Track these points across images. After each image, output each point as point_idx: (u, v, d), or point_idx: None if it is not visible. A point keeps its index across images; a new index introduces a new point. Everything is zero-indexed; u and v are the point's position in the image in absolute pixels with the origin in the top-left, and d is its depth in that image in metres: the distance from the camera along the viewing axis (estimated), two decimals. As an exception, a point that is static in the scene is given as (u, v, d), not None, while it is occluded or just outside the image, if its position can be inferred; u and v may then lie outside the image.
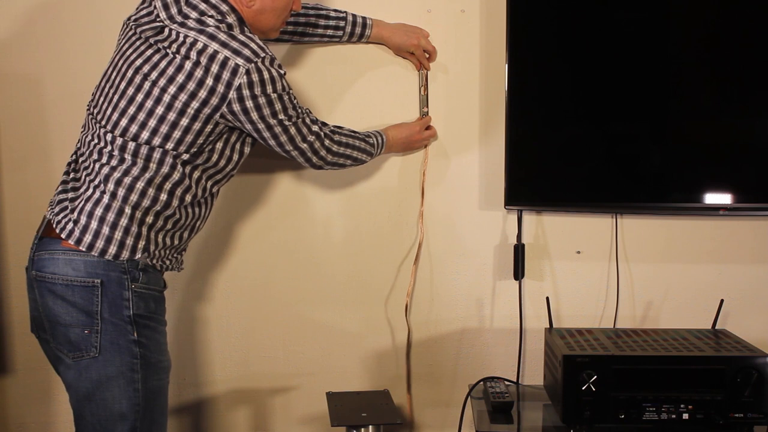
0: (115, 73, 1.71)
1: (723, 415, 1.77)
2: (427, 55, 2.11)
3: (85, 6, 2.11)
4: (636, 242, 2.17)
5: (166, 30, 1.67)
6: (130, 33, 1.73)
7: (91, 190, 1.67)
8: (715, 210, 2.07)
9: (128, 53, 1.70)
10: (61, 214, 1.68)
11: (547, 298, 2.06)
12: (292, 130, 1.75)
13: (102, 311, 1.63)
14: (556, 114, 2.09)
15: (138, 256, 1.67)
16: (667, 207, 2.11)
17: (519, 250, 2.15)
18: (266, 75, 1.65)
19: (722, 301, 2.03)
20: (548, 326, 2.04)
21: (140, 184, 1.66)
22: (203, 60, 1.63)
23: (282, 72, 1.69)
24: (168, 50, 1.65)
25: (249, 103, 1.65)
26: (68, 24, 2.11)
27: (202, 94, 1.63)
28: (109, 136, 1.68)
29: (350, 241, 2.19)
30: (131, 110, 1.66)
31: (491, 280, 2.19)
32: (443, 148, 2.16)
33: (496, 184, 2.12)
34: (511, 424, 1.90)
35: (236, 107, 1.65)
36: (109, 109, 1.69)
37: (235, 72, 1.63)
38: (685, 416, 1.78)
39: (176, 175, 1.69)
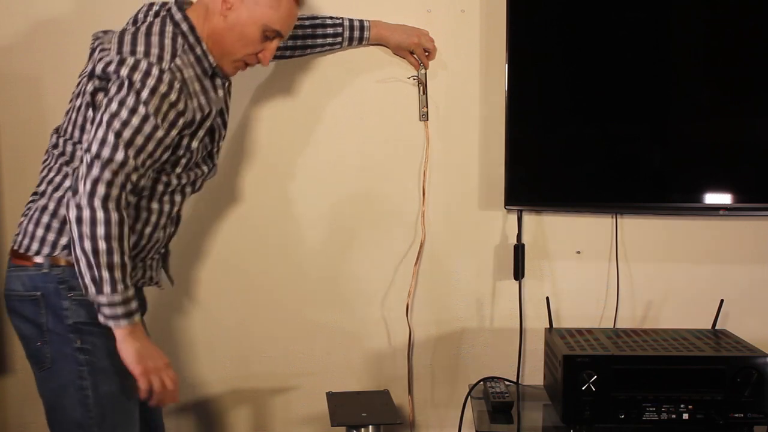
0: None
1: (723, 415, 1.77)
2: (427, 53, 2.11)
3: (86, 7, 2.11)
4: (636, 242, 2.17)
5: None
6: None
7: (35, 196, 1.73)
8: (715, 210, 2.07)
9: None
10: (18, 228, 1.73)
11: (547, 298, 2.06)
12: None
13: (48, 322, 1.65)
14: (556, 114, 2.09)
15: (57, 252, 1.65)
16: (667, 207, 2.11)
17: (519, 250, 2.15)
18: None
19: (722, 301, 2.03)
20: (548, 326, 2.04)
21: (67, 182, 1.67)
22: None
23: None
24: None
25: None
26: (68, 25, 2.11)
27: None
28: (53, 139, 1.74)
29: (350, 241, 2.18)
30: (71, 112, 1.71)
31: (491, 280, 2.19)
32: (444, 149, 2.16)
33: (496, 184, 2.12)
34: (511, 424, 1.90)
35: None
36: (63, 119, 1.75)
37: None
38: (685, 416, 1.78)
39: None
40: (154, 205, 1.72)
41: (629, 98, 2.06)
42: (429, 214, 2.17)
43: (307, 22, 2.00)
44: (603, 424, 1.79)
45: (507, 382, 2.13)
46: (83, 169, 1.55)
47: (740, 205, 2.06)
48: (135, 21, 1.76)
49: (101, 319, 1.58)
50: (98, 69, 1.62)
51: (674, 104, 2.07)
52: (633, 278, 2.18)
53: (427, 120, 2.14)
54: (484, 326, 2.21)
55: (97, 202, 1.53)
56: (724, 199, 2.05)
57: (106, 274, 1.54)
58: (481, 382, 2.06)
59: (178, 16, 1.68)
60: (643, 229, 2.16)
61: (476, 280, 2.19)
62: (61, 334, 1.64)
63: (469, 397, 2.01)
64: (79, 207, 1.53)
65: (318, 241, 2.19)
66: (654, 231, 2.16)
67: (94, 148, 1.55)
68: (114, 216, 1.54)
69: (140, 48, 1.61)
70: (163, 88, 1.58)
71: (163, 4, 1.76)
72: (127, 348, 1.59)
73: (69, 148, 1.68)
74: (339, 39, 2.04)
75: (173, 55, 1.62)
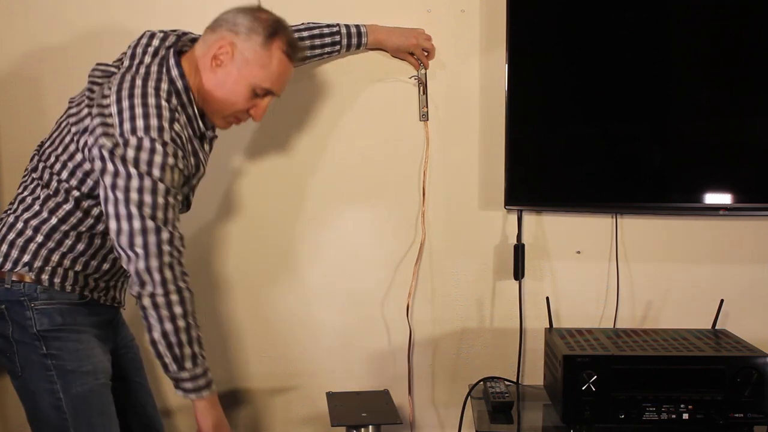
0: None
1: (723, 415, 1.77)
2: (426, 53, 2.11)
3: (85, 6, 2.11)
4: (636, 242, 2.17)
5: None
6: None
7: (9, 208, 1.75)
8: (715, 210, 2.07)
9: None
10: None
11: (547, 298, 2.06)
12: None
13: (13, 333, 1.67)
14: (556, 114, 2.09)
15: (18, 269, 1.66)
16: (667, 207, 2.11)
17: (519, 250, 2.15)
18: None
19: (722, 301, 2.03)
20: (548, 326, 2.04)
21: (37, 206, 1.70)
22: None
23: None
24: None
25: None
26: (68, 24, 2.11)
27: None
28: (34, 161, 1.76)
29: (350, 241, 2.19)
30: (55, 138, 1.73)
31: (491, 280, 2.19)
32: (444, 149, 2.16)
33: (496, 184, 2.12)
34: (511, 424, 1.90)
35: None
36: (46, 141, 1.77)
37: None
38: (685, 416, 1.78)
39: (67, 206, 1.69)
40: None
41: (629, 98, 2.06)
42: (429, 214, 2.17)
43: (305, 33, 1.98)
44: (603, 424, 1.79)
45: (507, 382, 2.13)
46: (140, 262, 1.57)
47: (740, 205, 2.06)
48: (133, 55, 1.72)
49: (181, 393, 1.63)
50: (105, 145, 1.58)
51: (674, 104, 2.07)
52: (633, 278, 2.18)
53: (427, 120, 2.15)
54: (484, 326, 2.21)
55: (171, 287, 1.58)
56: (724, 199, 2.05)
57: (188, 350, 1.61)
58: (481, 382, 2.07)
59: (174, 72, 1.66)
60: (643, 229, 2.16)
61: (476, 280, 2.19)
62: (28, 342, 1.67)
63: (469, 397, 2.01)
64: (152, 296, 1.58)
65: (318, 240, 2.19)
66: (654, 231, 2.16)
67: (139, 240, 1.56)
68: (186, 293, 1.61)
69: (140, 123, 1.57)
70: (170, 161, 1.59)
71: (163, 39, 1.73)
72: (206, 418, 1.66)
73: (46, 176, 1.71)
74: (337, 47, 2.04)
75: (171, 121, 1.61)
